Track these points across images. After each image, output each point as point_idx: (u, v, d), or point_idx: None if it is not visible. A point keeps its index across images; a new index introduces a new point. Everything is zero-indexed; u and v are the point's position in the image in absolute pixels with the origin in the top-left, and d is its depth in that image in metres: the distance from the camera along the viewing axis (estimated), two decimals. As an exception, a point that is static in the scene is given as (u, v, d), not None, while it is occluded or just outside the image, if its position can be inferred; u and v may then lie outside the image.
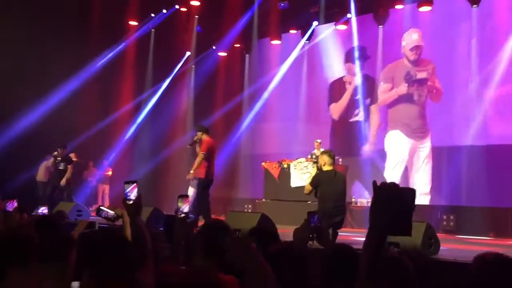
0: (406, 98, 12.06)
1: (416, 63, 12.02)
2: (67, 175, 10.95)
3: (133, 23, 14.77)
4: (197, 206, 8.09)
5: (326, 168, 6.53)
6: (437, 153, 11.35)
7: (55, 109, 13.06)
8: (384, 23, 12.62)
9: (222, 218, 7.56)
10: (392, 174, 11.88)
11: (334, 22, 13.43)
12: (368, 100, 12.87)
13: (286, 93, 14.69)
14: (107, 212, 3.39)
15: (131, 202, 2.52)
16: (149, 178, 13.51)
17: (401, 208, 1.57)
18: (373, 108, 12.78)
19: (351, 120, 13.18)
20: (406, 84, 12.06)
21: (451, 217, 10.11)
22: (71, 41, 12.54)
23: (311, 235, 5.24)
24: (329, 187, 6.40)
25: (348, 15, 13.04)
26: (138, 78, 15.30)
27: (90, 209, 11.38)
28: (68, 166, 11.20)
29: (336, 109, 13.57)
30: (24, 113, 12.72)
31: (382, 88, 12.61)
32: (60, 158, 10.82)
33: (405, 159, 11.93)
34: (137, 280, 2.09)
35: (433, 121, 11.59)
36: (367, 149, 12.63)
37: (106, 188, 14.09)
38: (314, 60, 14.18)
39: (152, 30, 15.38)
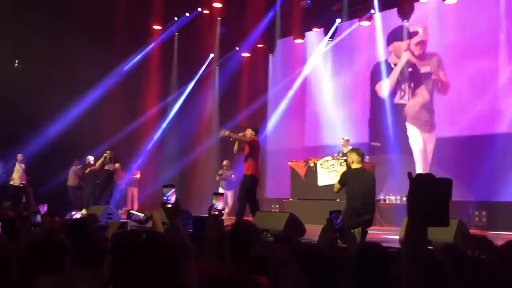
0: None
1: (421, 57, 11.95)
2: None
3: (157, 27, 14.95)
4: (242, 201, 8.04)
5: (355, 166, 6.46)
6: (465, 146, 11.06)
7: (83, 115, 13.36)
8: (408, 18, 12.44)
9: (250, 218, 7.56)
10: (418, 170, 11.70)
11: (358, 19, 13.31)
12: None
13: (310, 90, 14.63)
14: (137, 215, 3.45)
15: (170, 205, 2.65)
16: (177, 180, 13.63)
17: (437, 198, 1.54)
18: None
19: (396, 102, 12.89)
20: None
21: (483, 213, 9.90)
22: (97, 47, 12.77)
23: (335, 235, 5.19)
24: (358, 186, 6.33)
25: (372, 11, 12.91)
26: (164, 82, 15.49)
27: (120, 212, 11.55)
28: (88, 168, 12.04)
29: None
30: (53, 120, 13.02)
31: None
32: (108, 160, 11.26)
33: (428, 153, 11.74)
34: (181, 280, 2.11)
35: (457, 112, 11.30)
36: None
37: (135, 191, 14.28)
38: (338, 57, 14.07)
39: (176, 33, 15.53)
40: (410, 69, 12.50)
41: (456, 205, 10.32)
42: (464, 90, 11.31)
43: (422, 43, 12.34)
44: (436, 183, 1.56)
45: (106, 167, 11.28)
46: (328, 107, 14.09)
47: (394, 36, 12.98)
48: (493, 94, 10.76)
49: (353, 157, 6.49)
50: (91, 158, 12.78)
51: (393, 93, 12.86)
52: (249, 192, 8.13)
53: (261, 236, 2.75)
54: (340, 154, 10.71)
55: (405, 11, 12.43)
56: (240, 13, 14.07)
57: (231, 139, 8.46)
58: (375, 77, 13.28)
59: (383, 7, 12.84)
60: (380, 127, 12.81)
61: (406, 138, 12.31)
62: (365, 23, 13.14)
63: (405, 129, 12.39)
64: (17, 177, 12.47)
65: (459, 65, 11.45)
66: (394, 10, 12.59)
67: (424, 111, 12.12)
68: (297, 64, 14.85)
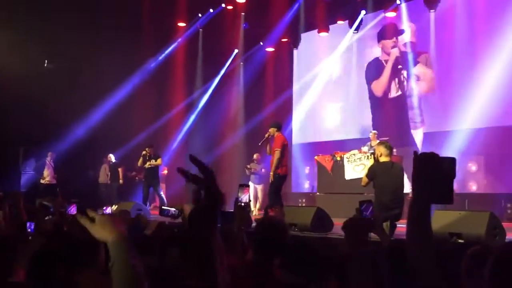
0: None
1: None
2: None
3: (181, 24, 15.04)
4: (273, 198, 8.06)
5: (383, 159, 6.37)
6: (495, 137, 10.79)
7: (111, 113, 13.58)
8: (435, 8, 12.19)
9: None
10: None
11: (383, 10, 13.11)
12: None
13: (336, 83, 14.51)
14: (169, 210, 3.49)
15: (242, 205, 2.83)
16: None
17: (441, 176, 1.59)
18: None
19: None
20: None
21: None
22: (123, 46, 12.94)
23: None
24: (386, 179, 6.25)
25: (397, 1, 12.70)
26: (189, 78, 15.60)
27: (149, 207, 11.70)
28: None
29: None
30: (82, 118, 13.28)
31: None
32: (148, 157, 11.20)
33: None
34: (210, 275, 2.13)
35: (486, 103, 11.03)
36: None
37: (163, 187, 14.42)
38: (363, 49, 13.92)
39: (200, 30, 15.60)
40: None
41: (487, 198, 10.14)
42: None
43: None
44: (439, 161, 1.61)
45: (147, 164, 11.17)
46: (353, 101, 13.98)
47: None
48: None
49: (381, 150, 6.40)
50: (112, 157, 13.00)
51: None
52: (279, 191, 8.19)
53: (288, 233, 2.72)
54: (367, 148, 10.60)
55: (431, 0, 12.18)
56: (264, 8, 14.01)
57: (260, 143, 8.55)
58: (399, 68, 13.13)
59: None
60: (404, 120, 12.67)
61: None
62: (390, 14, 12.94)
63: (430, 120, 12.18)
64: (47, 175, 12.79)
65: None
66: (421, 0, 12.38)
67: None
68: (322, 58, 14.74)
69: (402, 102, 12.92)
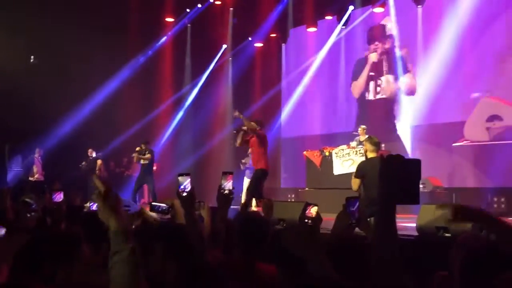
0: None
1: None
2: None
3: (169, 19, 14.95)
4: (251, 193, 8.07)
5: (370, 155, 6.37)
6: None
7: (99, 108, 13.48)
8: (423, 3, 12.26)
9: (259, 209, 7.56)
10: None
11: (371, 5, 13.15)
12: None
13: (324, 78, 14.55)
14: (160, 205, 3.46)
15: (185, 194, 2.63)
16: (192, 171, 13.56)
17: (406, 177, 1.65)
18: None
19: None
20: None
21: (502, 199, 9.78)
22: (111, 41, 12.82)
23: (351, 222, 5.10)
24: (374, 175, 6.22)
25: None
26: (177, 74, 15.53)
27: (138, 204, 11.65)
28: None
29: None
30: (69, 113, 13.17)
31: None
32: (143, 154, 11.07)
33: None
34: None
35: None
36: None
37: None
38: (352, 45, 13.97)
39: (188, 25, 15.52)
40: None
41: (474, 192, 10.24)
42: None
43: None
44: (405, 163, 1.68)
45: (142, 161, 11.04)
46: (342, 95, 14.04)
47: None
48: None
49: (367, 146, 6.36)
50: (92, 151, 12.92)
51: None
52: (258, 185, 8.14)
53: (270, 228, 2.70)
54: (356, 143, 10.63)
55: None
56: (252, 3, 13.99)
57: (234, 131, 8.47)
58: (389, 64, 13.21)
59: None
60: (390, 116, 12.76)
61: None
62: (378, 10, 12.98)
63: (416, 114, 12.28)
64: (36, 172, 12.67)
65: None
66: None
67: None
68: (311, 53, 14.76)
69: (389, 100, 13.01)
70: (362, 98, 13.65)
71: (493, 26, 11.04)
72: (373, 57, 13.43)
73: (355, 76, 13.85)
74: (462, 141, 11.37)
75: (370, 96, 13.47)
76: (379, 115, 13.00)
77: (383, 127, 12.61)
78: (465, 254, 1.79)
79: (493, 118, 10.91)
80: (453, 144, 11.47)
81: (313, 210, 2.64)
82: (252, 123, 8.25)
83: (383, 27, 13.24)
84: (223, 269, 2.07)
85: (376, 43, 13.35)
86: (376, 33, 13.35)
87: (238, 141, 8.39)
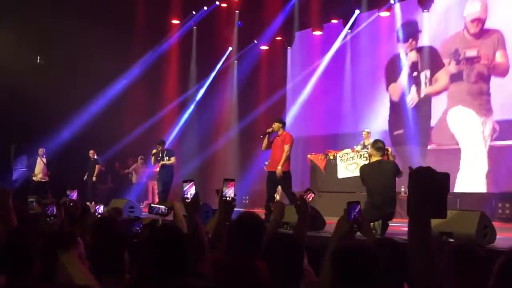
0: (458, 77, 11.62)
1: (477, 36, 11.28)
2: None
3: (175, 21, 15.00)
4: (292, 194, 8.03)
5: (374, 159, 6.37)
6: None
7: (104, 109, 13.54)
8: (429, 8, 12.24)
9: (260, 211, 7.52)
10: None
11: (377, 9, 13.15)
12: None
13: (330, 82, 14.52)
14: (159, 208, 3.48)
15: (189, 200, 2.73)
16: (196, 174, 13.72)
17: (436, 191, 1.59)
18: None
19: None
20: (454, 62, 11.61)
21: (507, 205, 9.73)
22: (117, 43, 12.89)
23: (353, 227, 5.07)
24: (374, 180, 6.17)
25: (391, 1, 12.74)
26: (183, 76, 15.57)
27: (141, 205, 11.67)
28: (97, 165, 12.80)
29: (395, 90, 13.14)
30: (75, 114, 13.22)
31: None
32: (161, 155, 10.83)
33: (466, 138, 11.40)
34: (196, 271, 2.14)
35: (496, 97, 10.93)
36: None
37: (155, 184, 14.40)
38: (357, 48, 13.92)
39: (194, 27, 15.56)
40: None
41: (479, 197, 10.19)
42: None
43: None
44: (434, 176, 1.61)
45: (162, 162, 10.74)
46: (347, 98, 13.98)
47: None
48: None
49: (371, 150, 6.41)
50: (93, 153, 12.96)
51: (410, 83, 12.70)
52: (290, 187, 8.14)
53: (266, 229, 2.71)
54: (360, 147, 10.62)
55: (425, 0, 12.22)
56: (258, 6, 14.01)
57: (261, 136, 8.32)
58: (395, 67, 13.12)
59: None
60: (401, 118, 12.68)
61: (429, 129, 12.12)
62: (384, 14, 12.98)
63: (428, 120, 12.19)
64: (39, 172, 12.68)
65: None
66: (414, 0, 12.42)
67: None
68: (316, 56, 14.74)
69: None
70: (400, 100, 12.90)
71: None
72: (412, 56, 12.67)
73: (393, 78, 13.05)
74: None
75: (414, 96, 12.61)
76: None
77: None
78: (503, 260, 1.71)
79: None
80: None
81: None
82: (274, 125, 8.19)
83: (416, 23, 12.62)
84: (223, 269, 2.07)
85: (410, 40, 12.68)
86: (411, 30, 12.69)
87: (264, 145, 8.30)
